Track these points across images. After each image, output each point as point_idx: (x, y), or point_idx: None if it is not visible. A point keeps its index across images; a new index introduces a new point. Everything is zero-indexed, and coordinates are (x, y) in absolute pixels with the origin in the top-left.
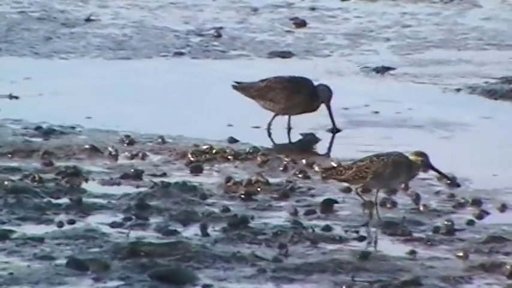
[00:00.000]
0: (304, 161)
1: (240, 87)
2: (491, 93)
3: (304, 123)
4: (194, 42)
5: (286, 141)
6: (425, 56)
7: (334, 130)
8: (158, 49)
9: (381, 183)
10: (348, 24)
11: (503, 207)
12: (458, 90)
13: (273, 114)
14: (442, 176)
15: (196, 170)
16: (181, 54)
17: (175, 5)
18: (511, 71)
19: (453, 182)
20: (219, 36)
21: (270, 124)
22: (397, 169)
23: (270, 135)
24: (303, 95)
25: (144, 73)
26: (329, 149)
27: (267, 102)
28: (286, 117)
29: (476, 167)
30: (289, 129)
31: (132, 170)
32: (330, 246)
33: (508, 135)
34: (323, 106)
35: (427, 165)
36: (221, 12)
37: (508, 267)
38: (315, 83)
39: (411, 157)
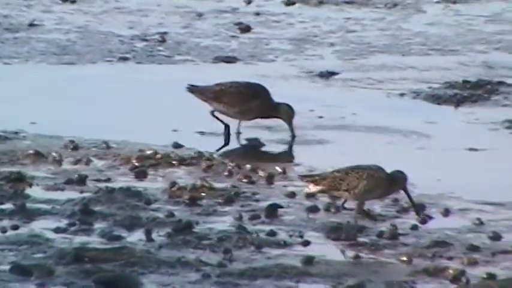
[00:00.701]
0: (248, 166)
1: (195, 89)
2: (435, 98)
3: (255, 128)
4: (139, 47)
5: (231, 146)
6: (369, 61)
7: (292, 137)
8: (103, 54)
9: (355, 196)
10: (292, 29)
11: (446, 212)
12: (402, 95)
13: (237, 120)
14: (411, 203)
15: (141, 175)
16: (125, 59)
17: (120, 10)
18: (455, 76)
19: (418, 213)
20: (163, 41)
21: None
22: (372, 183)
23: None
24: (259, 100)
25: (89, 78)
26: (274, 154)
27: (221, 105)
28: (237, 121)
29: (420, 172)
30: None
31: (76, 176)
32: (275, 251)
33: (452, 140)
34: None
35: (403, 187)
36: (166, 17)
37: (451, 271)
38: (278, 101)
39: (393, 174)
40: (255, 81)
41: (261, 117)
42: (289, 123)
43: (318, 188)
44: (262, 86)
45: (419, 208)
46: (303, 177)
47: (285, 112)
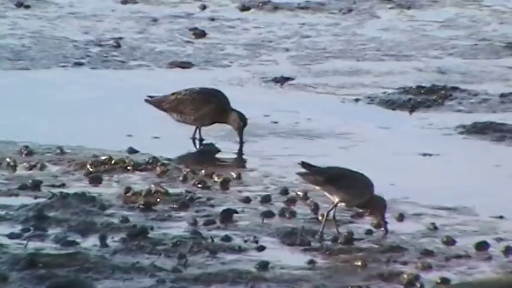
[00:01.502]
0: (203, 171)
1: (152, 101)
2: (389, 104)
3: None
4: (93, 52)
5: (186, 151)
6: (324, 66)
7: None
8: (57, 59)
9: (346, 196)
10: (247, 34)
11: (401, 217)
12: (356, 100)
13: (194, 127)
14: (384, 228)
15: (96, 180)
16: (80, 64)
17: (74, 15)
18: (409, 82)
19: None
20: (118, 46)
21: (200, 137)
22: (362, 188)
23: (196, 146)
24: (212, 105)
25: (43, 84)
26: (229, 159)
27: (178, 115)
28: (193, 127)
29: (374, 177)
30: (193, 139)
31: (30, 181)
32: (230, 256)
33: (406, 145)
34: None
35: (382, 210)
36: (121, 22)
37: (406, 276)
38: (233, 108)
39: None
40: (211, 87)
41: (218, 122)
42: (238, 132)
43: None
44: (216, 91)
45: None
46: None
47: (234, 120)
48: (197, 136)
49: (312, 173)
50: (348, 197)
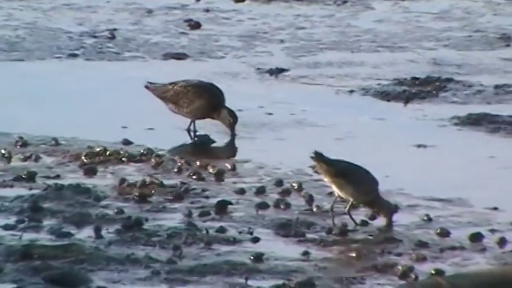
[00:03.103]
0: (198, 162)
1: (151, 87)
2: (384, 95)
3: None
4: (88, 43)
5: (181, 142)
6: (318, 58)
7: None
8: (51, 51)
9: (351, 190)
10: (242, 26)
11: (395, 208)
12: (351, 92)
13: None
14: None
15: (90, 172)
16: (75, 55)
17: (69, 6)
18: (403, 73)
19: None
20: (113, 37)
21: (194, 129)
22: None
23: (191, 137)
24: (204, 100)
25: (38, 75)
26: (224, 150)
27: (173, 105)
28: (188, 119)
29: (369, 169)
30: (188, 130)
31: (25, 172)
32: (224, 248)
33: (400, 136)
34: None
35: (392, 213)
36: (115, 13)
37: (400, 267)
38: (224, 103)
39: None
40: (208, 81)
41: (209, 118)
42: (230, 128)
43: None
44: (211, 86)
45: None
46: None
47: (224, 117)
48: (192, 128)
49: (326, 163)
50: (355, 193)
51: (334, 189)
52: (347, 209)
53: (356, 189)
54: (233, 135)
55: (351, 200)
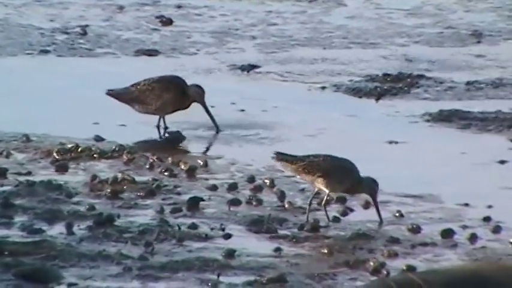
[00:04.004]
0: (170, 159)
1: (114, 93)
2: (356, 91)
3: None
4: (60, 40)
5: (153, 139)
6: (290, 54)
7: (217, 130)
8: (23, 47)
9: (328, 183)
10: (214, 22)
11: (367, 205)
12: (323, 88)
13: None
14: (377, 211)
15: (62, 168)
16: (46, 52)
17: (40, 2)
18: (375, 69)
19: (381, 223)
20: (84, 34)
21: (164, 125)
22: (343, 174)
23: (160, 134)
24: (172, 93)
25: (9, 71)
26: (196, 147)
27: (140, 106)
28: (157, 115)
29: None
30: (158, 127)
31: None
32: (196, 244)
33: (372, 133)
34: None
35: (372, 191)
36: (87, 9)
37: (372, 263)
38: (188, 83)
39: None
40: (169, 74)
41: (179, 109)
42: (203, 104)
43: (291, 168)
44: (175, 77)
45: (381, 218)
46: (277, 155)
47: (194, 92)
48: (161, 124)
49: (291, 160)
50: (329, 184)
51: (310, 184)
52: (323, 202)
53: (329, 180)
54: (208, 111)
55: (327, 191)
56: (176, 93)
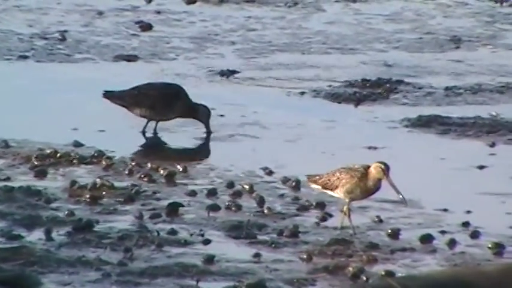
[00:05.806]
0: (149, 164)
1: (111, 96)
2: (335, 97)
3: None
4: (38, 45)
5: (132, 144)
6: (270, 59)
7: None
8: (1, 52)
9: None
10: (193, 27)
11: (348, 211)
12: (302, 93)
13: (145, 120)
14: (396, 191)
15: (41, 174)
16: (25, 57)
17: (19, 8)
18: (354, 75)
19: (403, 201)
20: (63, 39)
21: (145, 129)
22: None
23: (145, 137)
24: (180, 100)
25: None
26: (175, 152)
27: (142, 110)
28: (144, 120)
29: (320, 170)
30: (144, 132)
31: None
32: (175, 250)
33: (351, 138)
34: None
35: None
36: (66, 15)
37: (351, 269)
38: (197, 102)
39: (372, 166)
40: (172, 82)
41: (182, 117)
42: (205, 123)
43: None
44: (178, 86)
45: (402, 196)
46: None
47: (203, 113)
48: (147, 130)
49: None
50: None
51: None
52: (345, 209)
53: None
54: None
55: (346, 199)
56: (184, 102)
